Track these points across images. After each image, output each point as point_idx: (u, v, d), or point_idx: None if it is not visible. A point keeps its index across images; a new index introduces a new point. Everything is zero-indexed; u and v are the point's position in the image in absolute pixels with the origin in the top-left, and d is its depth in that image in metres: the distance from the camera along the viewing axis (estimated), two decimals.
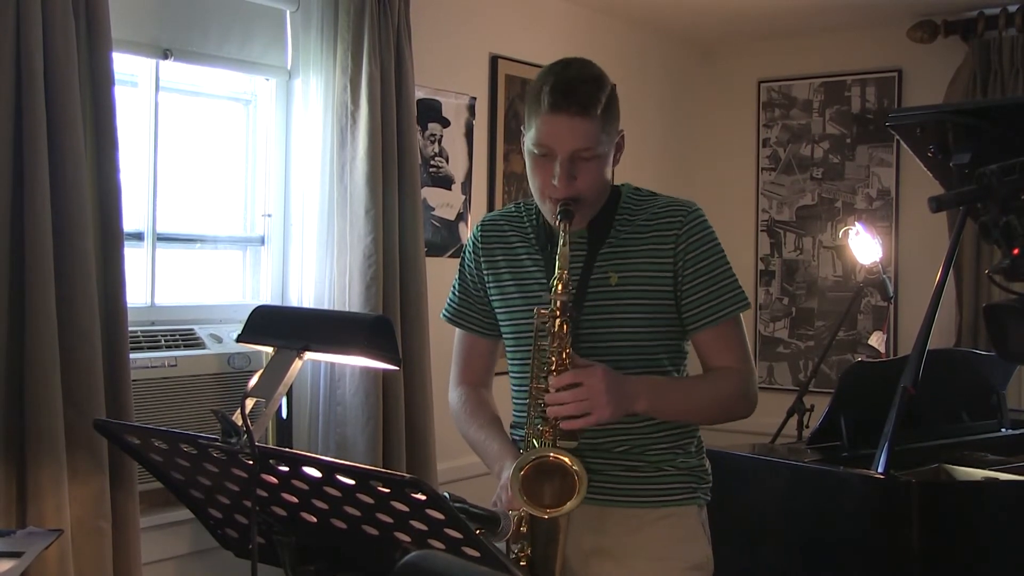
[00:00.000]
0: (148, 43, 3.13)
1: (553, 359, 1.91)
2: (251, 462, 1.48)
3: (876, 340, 4.48)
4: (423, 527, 1.41)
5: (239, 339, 1.77)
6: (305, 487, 1.49)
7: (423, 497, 1.35)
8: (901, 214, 5.02)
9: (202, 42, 3.26)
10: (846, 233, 4.30)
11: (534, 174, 2.00)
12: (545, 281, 1.98)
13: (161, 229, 3.22)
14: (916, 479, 2.69)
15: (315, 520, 1.54)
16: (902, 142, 3.74)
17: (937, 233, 4.47)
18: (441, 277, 3.56)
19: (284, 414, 3.42)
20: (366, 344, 1.66)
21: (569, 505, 1.88)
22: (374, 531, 1.48)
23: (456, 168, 4.10)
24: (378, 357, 1.67)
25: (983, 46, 4.61)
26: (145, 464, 1.73)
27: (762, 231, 5.41)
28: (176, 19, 3.19)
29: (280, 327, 1.75)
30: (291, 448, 3.27)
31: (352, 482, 1.41)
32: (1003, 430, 3.46)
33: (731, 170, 5.45)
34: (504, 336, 2.16)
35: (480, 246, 2.17)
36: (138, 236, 3.14)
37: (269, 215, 3.53)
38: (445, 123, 4.03)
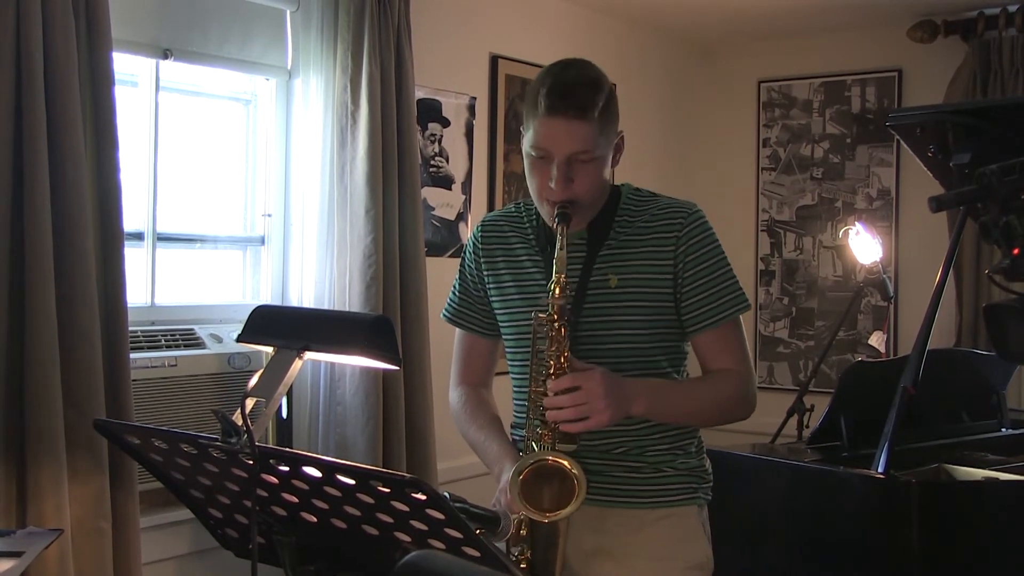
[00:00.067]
0: (148, 43, 3.13)
1: (551, 362, 1.91)
2: (251, 462, 1.48)
3: (876, 340, 4.48)
4: (423, 527, 1.41)
5: (239, 339, 1.77)
6: (305, 487, 1.49)
7: (423, 497, 1.35)
8: (901, 214, 5.02)
9: (202, 42, 3.26)
10: (846, 233, 4.30)
11: (532, 176, 1.99)
12: (545, 282, 1.98)
13: (161, 229, 3.22)
14: (916, 479, 2.68)
15: (315, 520, 1.54)
16: (902, 142, 3.75)
17: (937, 233, 4.47)
18: (441, 277, 3.56)
19: (284, 414, 3.42)
20: (366, 344, 1.66)
21: (568, 509, 1.88)
22: (374, 531, 1.48)
23: (456, 168, 4.10)
24: (378, 357, 1.67)
25: (983, 46, 4.61)
26: (145, 464, 1.73)
27: (762, 231, 5.41)
28: (176, 19, 3.19)
29: (280, 327, 1.75)
30: (291, 448, 3.26)
31: (352, 482, 1.41)
32: (1003, 430, 3.46)
33: (731, 170, 5.45)
34: (504, 337, 2.16)
35: (480, 246, 2.17)
36: (138, 236, 3.14)
37: (269, 215, 3.53)
38: (445, 123, 4.03)
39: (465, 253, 2.21)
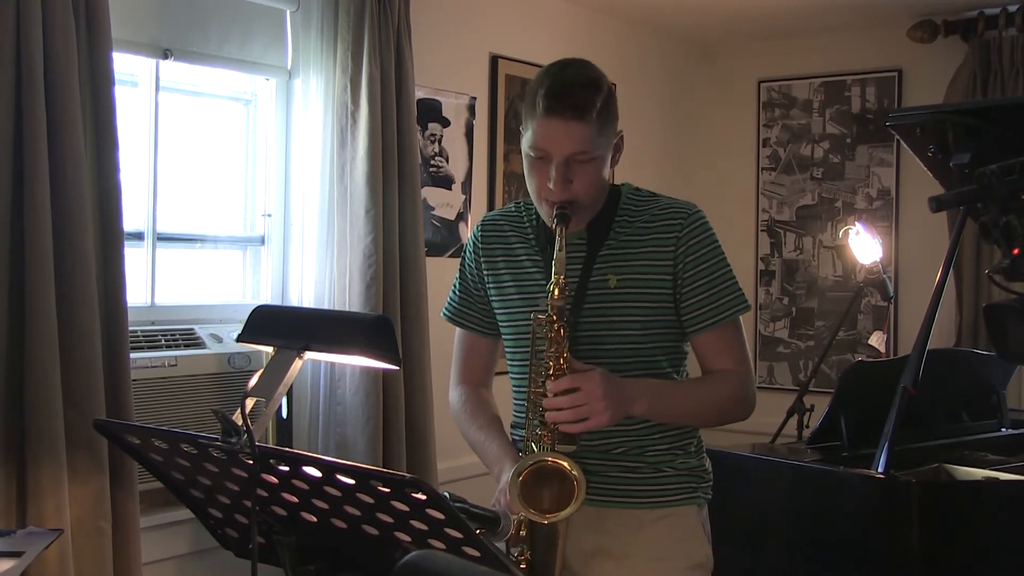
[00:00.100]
0: (148, 43, 3.13)
1: (551, 364, 1.90)
2: (251, 462, 1.48)
3: (876, 340, 4.48)
4: (423, 527, 1.41)
5: (239, 339, 1.77)
6: (305, 487, 1.49)
7: (423, 497, 1.35)
8: (901, 214, 5.02)
9: (202, 42, 3.26)
10: (846, 233, 4.30)
11: (531, 176, 1.99)
12: (544, 282, 1.97)
13: (161, 229, 3.22)
14: (916, 479, 2.69)
15: (315, 520, 1.54)
16: (902, 142, 3.75)
17: (937, 233, 4.47)
18: (441, 277, 3.57)
19: (284, 414, 3.42)
20: (366, 344, 1.66)
21: (568, 510, 1.88)
22: (374, 531, 1.48)
23: (456, 168, 4.10)
24: (378, 357, 1.67)
25: (983, 46, 4.61)
26: (145, 464, 1.73)
27: (762, 231, 5.41)
28: (176, 19, 3.19)
29: (280, 327, 1.75)
30: (291, 448, 3.26)
31: (352, 482, 1.41)
32: (1003, 430, 3.46)
33: (731, 170, 5.45)
34: (504, 336, 2.16)
35: (480, 246, 2.16)
36: (138, 236, 3.14)
37: (269, 215, 3.53)
38: (445, 123, 4.03)
39: (465, 252, 2.21)
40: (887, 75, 5.05)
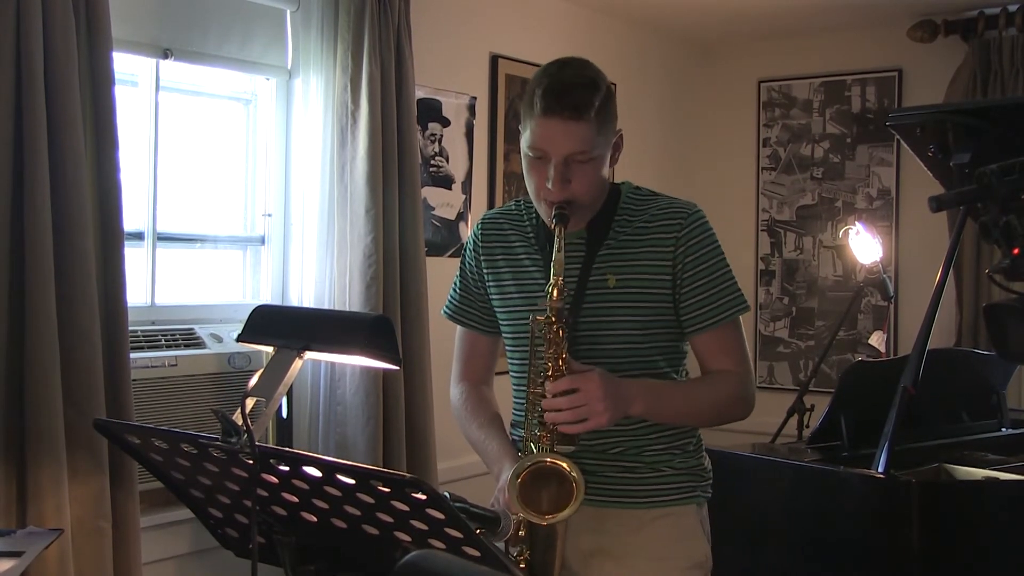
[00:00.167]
0: (148, 43, 3.13)
1: (549, 365, 1.90)
2: (251, 462, 1.48)
3: (876, 340, 4.48)
4: (423, 527, 1.41)
5: (239, 339, 1.77)
6: (305, 487, 1.49)
7: (423, 497, 1.35)
8: (901, 214, 5.02)
9: (202, 42, 3.26)
10: (846, 233, 4.30)
11: (530, 176, 1.99)
12: (544, 282, 1.97)
13: (161, 229, 3.22)
14: (916, 479, 2.68)
15: (315, 520, 1.54)
16: (902, 142, 3.75)
17: (937, 233, 4.47)
18: (441, 277, 3.56)
19: (284, 414, 3.42)
20: (366, 344, 1.66)
21: (566, 511, 1.87)
22: (374, 531, 1.48)
23: (456, 168, 4.10)
24: (378, 357, 1.67)
25: (983, 46, 4.61)
26: (145, 464, 1.73)
27: (762, 231, 5.41)
28: (176, 19, 3.19)
29: (280, 327, 1.75)
30: (291, 448, 3.26)
31: (352, 482, 1.41)
32: (1003, 430, 3.46)
33: (731, 170, 5.45)
34: (504, 334, 2.16)
35: (480, 244, 2.16)
36: (138, 236, 3.14)
37: (269, 215, 3.53)
38: (445, 123, 4.03)
39: (465, 250, 2.21)
40: (887, 75, 5.05)
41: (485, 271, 2.15)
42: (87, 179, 2.70)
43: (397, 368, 2.11)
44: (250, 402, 1.57)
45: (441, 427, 3.51)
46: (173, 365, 3.06)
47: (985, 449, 3.20)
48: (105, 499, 2.72)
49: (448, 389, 2.26)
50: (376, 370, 3.24)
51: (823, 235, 5.23)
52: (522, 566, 1.94)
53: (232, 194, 3.55)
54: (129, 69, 3.13)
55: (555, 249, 1.91)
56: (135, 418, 2.82)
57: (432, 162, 3.98)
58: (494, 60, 4.27)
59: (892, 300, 4.41)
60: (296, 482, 1.49)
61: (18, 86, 2.56)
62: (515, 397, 2.13)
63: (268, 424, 3.17)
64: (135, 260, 3.06)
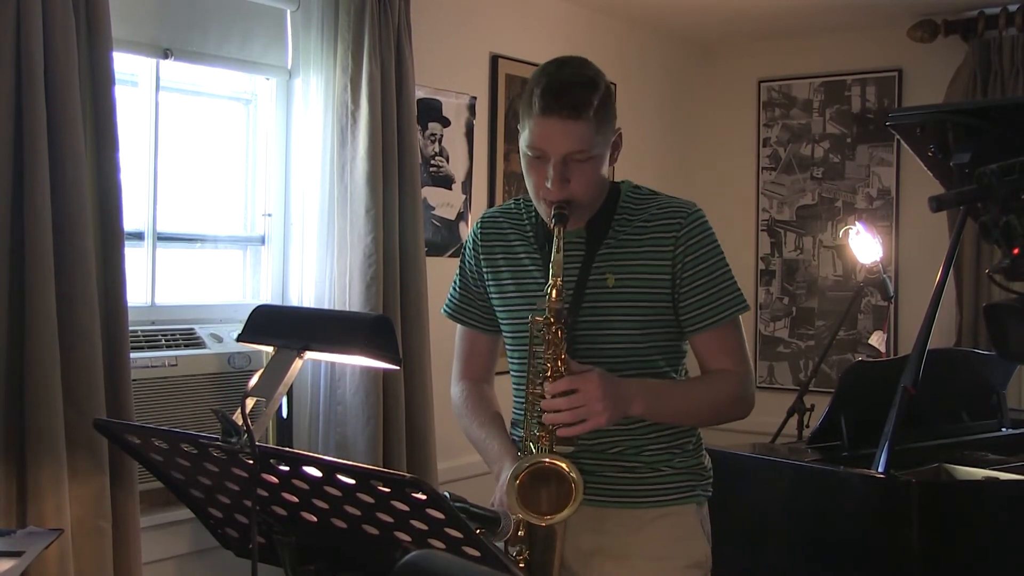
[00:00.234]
0: (148, 43, 3.13)
1: (548, 365, 1.90)
2: (251, 462, 1.48)
3: (876, 340, 4.48)
4: (423, 527, 1.41)
5: (239, 339, 1.77)
6: (305, 487, 1.49)
7: (423, 497, 1.35)
8: (901, 214, 5.01)
9: (202, 42, 3.26)
10: (846, 233, 4.30)
11: (529, 175, 1.98)
12: (543, 281, 1.97)
13: (161, 228, 3.22)
14: (916, 479, 2.68)
15: (315, 520, 1.54)
16: (902, 142, 3.75)
17: (937, 233, 4.47)
18: (441, 277, 3.56)
19: (284, 414, 3.42)
20: (366, 344, 1.66)
21: (565, 512, 1.88)
22: (374, 531, 1.48)
23: (456, 168, 4.10)
24: (378, 357, 1.67)
25: (983, 46, 4.61)
26: (145, 464, 1.73)
27: (762, 231, 5.40)
28: (176, 19, 3.19)
29: (280, 327, 1.75)
30: (291, 448, 3.26)
31: (352, 482, 1.41)
32: (1003, 430, 3.46)
33: (731, 170, 5.45)
34: (504, 333, 2.16)
35: (480, 243, 2.16)
36: (138, 235, 3.14)
37: (269, 215, 3.53)
38: (445, 123, 4.03)
39: (465, 249, 2.21)
40: (887, 75, 5.05)
41: (484, 270, 2.15)
42: (87, 179, 2.70)
43: (397, 368, 2.11)
44: (250, 402, 1.57)
45: (441, 427, 3.51)
46: (173, 365, 3.06)
47: (985, 449, 3.20)
48: (105, 499, 2.72)
49: (448, 388, 2.27)
50: (376, 370, 3.24)
51: (823, 235, 5.23)
52: (521, 566, 1.94)
53: (232, 194, 3.55)
54: (129, 69, 3.12)
55: (554, 250, 1.91)
56: (135, 418, 2.82)
57: (432, 162, 3.98)
58: (494, 60, 4.27)
59: (892, 300, 4.41)
60: (296, 482, 1.49)
61: (18, 86, 2.56)
62: (515, 396, 2.13)
63: (268, 424, 3.17)
64: (135, 260, 3.06)
